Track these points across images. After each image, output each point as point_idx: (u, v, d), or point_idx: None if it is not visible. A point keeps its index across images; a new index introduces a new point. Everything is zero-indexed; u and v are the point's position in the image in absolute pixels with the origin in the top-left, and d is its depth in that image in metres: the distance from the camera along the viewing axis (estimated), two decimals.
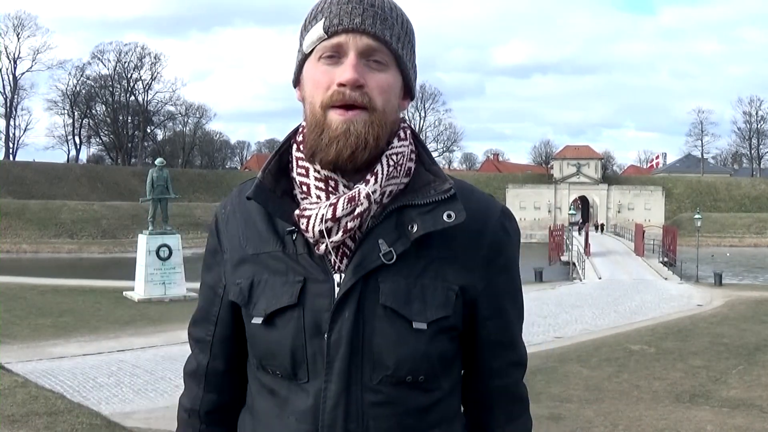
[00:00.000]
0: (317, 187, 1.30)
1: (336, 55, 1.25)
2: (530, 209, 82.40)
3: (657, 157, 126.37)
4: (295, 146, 1.36)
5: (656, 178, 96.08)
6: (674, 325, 17.69)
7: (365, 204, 1.25)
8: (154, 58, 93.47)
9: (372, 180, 1.27)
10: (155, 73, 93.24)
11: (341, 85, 1.24)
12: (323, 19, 1.26)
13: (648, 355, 13.67)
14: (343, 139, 1.24)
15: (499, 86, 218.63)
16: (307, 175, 1.31)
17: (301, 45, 1.32)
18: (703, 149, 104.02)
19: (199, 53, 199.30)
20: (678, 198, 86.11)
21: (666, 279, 32.57)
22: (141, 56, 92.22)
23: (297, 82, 1.35)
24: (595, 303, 22.37)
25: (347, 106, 1.24)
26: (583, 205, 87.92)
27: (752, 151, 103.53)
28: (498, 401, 1.43)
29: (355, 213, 1.25)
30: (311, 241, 1.28)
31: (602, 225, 75.51)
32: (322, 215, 1.25)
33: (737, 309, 20.49)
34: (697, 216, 43.44)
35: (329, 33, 1.25)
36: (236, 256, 1.37)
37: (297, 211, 1.29)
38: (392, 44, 1.27)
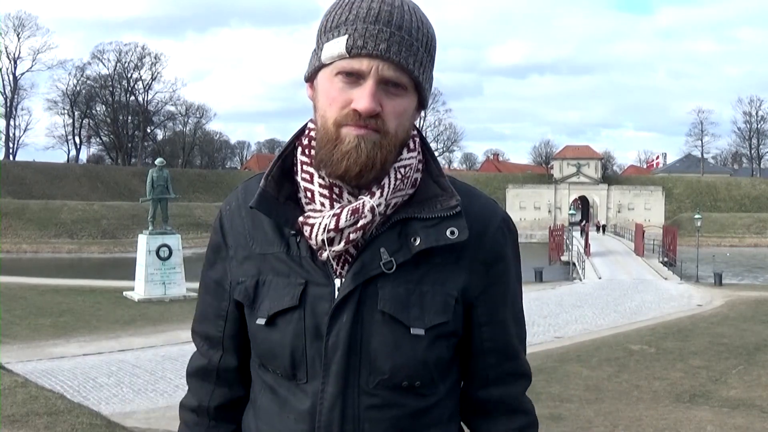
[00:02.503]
0: (321, 194, 1.30)
1: (355, 76, 1.23)
2: (530, 209, 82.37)
3: (657, 157, 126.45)
4: (300, 149, 1.35)
5: (656, 178, 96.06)
6: (674, 325, 17.70)
7: (369, 217, 1.26)
8: (154, 58, 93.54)
9: (378, 193, 1.27)
10: (155, 73, 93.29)
11: (356, 111, 1.23)
12: (347, 36, 1.22)
13: (648, 355, 13.67)
14: (354, 155, 1.23)
15: (496, 86, 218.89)
16: (311, 181, 1.31)
17: (318, 47, 1.28)
18: (703, 149, 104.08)
19: (195, 54, 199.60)
20: (678, 198, 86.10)
21: (666, 279, 32.55)
22: (141, 56, 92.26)
23: (310, 79, 1.32)
24: (595, 303, 22.37)
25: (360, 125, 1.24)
26: (583, 205, 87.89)
27: (752, 151, 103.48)
28: (498, 412, 1.40)
29: (358, 225, 1.26)
30: (314, 247, 1.29)
31: (604, 226, 73.46)
32: (325, 225, 1.26)
33: (737, 309, 20.50)
34: (697, 216, 43.47)
35: (351, 54, 1.22)
36: (242, 253, 1.37)
37: (301, 219, 1.30)
38: (414, 72, 1.25)
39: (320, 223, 1.27)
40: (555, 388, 10.54)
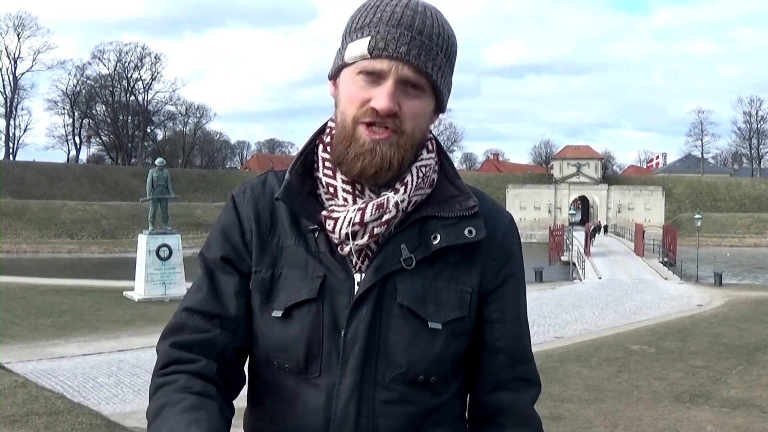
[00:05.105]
0: (344, 190, 1.32)
1: (375, 76, 1.26)
2: (530, 209, 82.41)
3: (657, 157, 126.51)
4: (321, 146, 1.37)
5: (656, 178, 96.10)
6: (674, 325, 17.70)
7: (393, 212, 1.29)
8: (154, 58, 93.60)
9: (402, 189, 1.31)
10: (155, 73, 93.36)
11: (375, 110, 1.26)
12: (369, 38, 1.26)
13: (648, 355, 13.67)
14: (369, 157, 1.27)
15: (494, 86, 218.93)
16: (334, 177, 1.34)
17: (342, 47, 1.31)
18: (703, 149, 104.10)
19: (193, 54, 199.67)
20: (678, 198, 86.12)
21: (666, 279, 32.52)
22: (141, 56, 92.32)
23: (333, 77, 1.35)
24: (595, 303, 22.36)
25: (377, 126, 1.27)
26: (583, 205, 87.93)
27: (752, 151, 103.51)
28: (507, 422, 1.38)
29: (383, 219, 1.29)
30: (335, 241, 1.31)
31: (605, 226, 71.77)
32: (350, 219, 1.29)
33: (737, 309, 20.49)
34: (697, 216, 43.50)
35: (373, 55, 1.26)
36: (258, 240, 1.36)
37: (324, 212, 1.31)
38: (432, 75, 1.28)
39: (345, 217, 1.29)
40: (555, 388, 10.53)
